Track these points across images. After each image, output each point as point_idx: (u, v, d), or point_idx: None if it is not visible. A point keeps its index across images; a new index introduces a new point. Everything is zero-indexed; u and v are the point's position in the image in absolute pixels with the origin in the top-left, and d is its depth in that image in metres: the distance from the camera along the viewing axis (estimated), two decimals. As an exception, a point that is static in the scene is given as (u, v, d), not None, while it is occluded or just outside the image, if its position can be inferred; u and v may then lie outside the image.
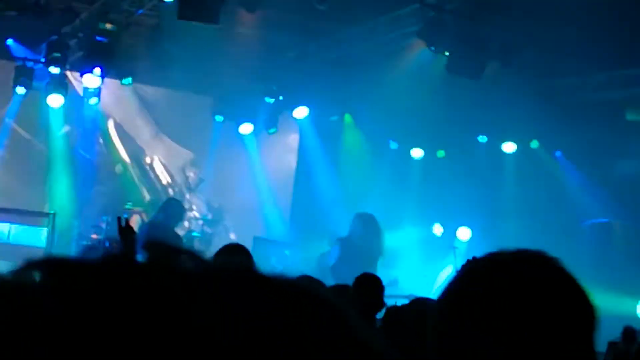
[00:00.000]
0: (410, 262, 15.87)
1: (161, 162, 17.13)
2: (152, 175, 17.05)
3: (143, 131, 17.01)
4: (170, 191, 16.97)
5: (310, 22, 13.36)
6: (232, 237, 16.31)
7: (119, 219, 6.72)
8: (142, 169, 16.94)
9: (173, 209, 12.30)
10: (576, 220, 14.79)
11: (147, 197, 16.74)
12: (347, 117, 16.53)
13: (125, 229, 6.96)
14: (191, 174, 17.25)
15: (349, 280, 11.73)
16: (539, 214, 15.00)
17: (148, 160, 17.02)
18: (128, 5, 12.92)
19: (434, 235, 16.37)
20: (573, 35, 11.71)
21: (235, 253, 6.59)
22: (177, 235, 12.20)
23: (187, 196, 16.90)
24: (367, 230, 12.43)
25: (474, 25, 11.38)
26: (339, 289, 6.11)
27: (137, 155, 16.99)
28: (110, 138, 16.71)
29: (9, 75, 14.93)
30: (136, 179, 16.65)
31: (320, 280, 5.89)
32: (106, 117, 16.66)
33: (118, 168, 16.84)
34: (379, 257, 12.50)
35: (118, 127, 16.79)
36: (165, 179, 17.04)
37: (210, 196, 17.12)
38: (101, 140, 16.66)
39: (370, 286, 6.60)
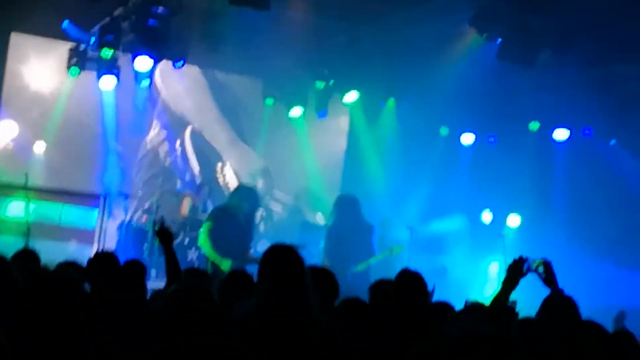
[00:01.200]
0: (458, 249, 15.81)
1: (232, 167, 17.29)
2: (221, 181, 17.18)
3: (220, 136, 17.20)
4: None
5: (362, 6, 13.31)
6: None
7: (154, 222, 6.78)
8: (212, 174, 17.10)
9: (245, 194, 12.06)
10: (629, 211, 14.61)
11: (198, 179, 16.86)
12: (397, 103, 16.43)
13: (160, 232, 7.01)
14: (260, 183, 17.36)
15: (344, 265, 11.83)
16: (590, 203, 14.84)
17: (219, 165, 17.19)
18: (181, -12, 12.97)
19: (482, 222, 16.27)
20: (628, 24, 11.55)
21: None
22: (247, 222, 11.90)
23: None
24: (344, 211, 12.35)
25: (527, 13, 11.25)
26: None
27: (209, 159, 17.14)
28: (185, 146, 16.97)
29: (64, 56, 15.12)
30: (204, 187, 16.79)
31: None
32: (185, 123, 16.88)
33: (187, 176, 17.02)
34: (371, 232, 12.41)
35: (194, 135, 17.01)
36: (234, 185, 17.14)
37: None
38: (178, 147, 16.90)
39: (414, 286, 6.46)
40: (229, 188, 16.84)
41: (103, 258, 7.11)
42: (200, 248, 11.77)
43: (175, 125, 16.89)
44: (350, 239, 12.22)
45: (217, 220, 11.41)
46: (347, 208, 12.38)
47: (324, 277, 5.71)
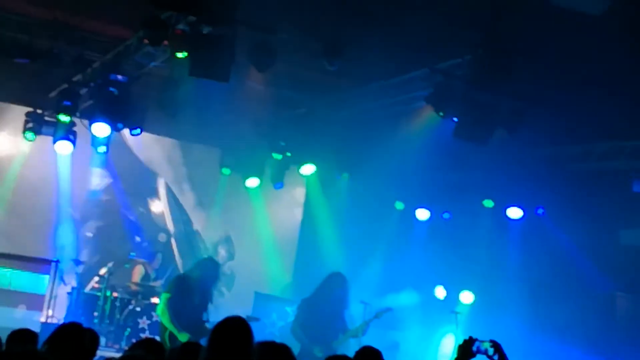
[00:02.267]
0: (411, 325, 15.77)
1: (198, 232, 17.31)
2: (195, 244, 17.14)
3: (188, 196, 17.18)
4: None
5: (320, 80, 13.44)
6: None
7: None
8: (188, 237, 17.03)
9: (209, 268, 11.88)
10: (579, 290, 14.69)
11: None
12: (354, 176, 16.50)
13: None
14: (222, 252, 17.33)
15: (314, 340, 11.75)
16: (544, 281, 14.89)
17: (196, 227, 17.16)
18: (140, 58, 12.99)
19: (436, 297, 16.26)
20: (581, 104, 11.75)
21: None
22: (205, 293, 11.72)
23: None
24: (336, 288, 12.32)
25: (482, 92, 11.40)
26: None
27: (182, 219, 17.10)
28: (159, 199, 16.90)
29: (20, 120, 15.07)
30: (175, 251, 16.69)
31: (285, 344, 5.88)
32: (156, 175, 16.84)
33: (162, 236, 16.94)
34: (345, 311, 12.38)
35: (168, 189, 16.98)
36: (206, 251, 17.08)
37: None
38: (149, 201, 16.83)
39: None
40: (201, 252, 16.84)
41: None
42: (158, 317, 11.68)
43: (141, 175, 16.82)
44: (325, 312, 12.16)
45: (176, 291, 11.32)
46: (329, 284, 12.34)
47: (281, 354, 5.69)
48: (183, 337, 10.93)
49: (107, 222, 16.62)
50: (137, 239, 16.78)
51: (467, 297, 15.95)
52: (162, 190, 17.04)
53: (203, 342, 9.39)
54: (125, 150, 16.37)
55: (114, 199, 16.64)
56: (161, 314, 11.28)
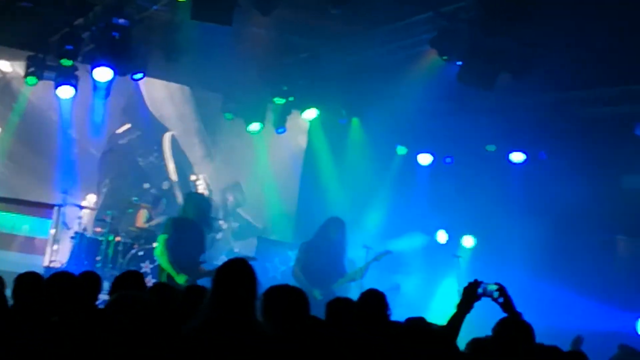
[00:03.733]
0: (413, 269, 15.87)
1: (206, 181, 17.32)
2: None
3: (196, 149, 17.25)
4: None
5: (324, 25, 13.36)
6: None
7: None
8: (186, 186, 17.12)
9: (197, 202, 11.89)
10: (580, 234, 14.75)
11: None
12: (356, 121, 16.48)
13: None
14: (230, 198, 17.41)
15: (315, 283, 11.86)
16: (544, 225, 14.95)
17: (193, 177, 17.23)
18: (142, 1, 12.90)
19: (437, 242, 16.35)
20: (584, 49, 11.71)
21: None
22: (200, 231, 11.69)
23: (221, 220, 17.02)
24: (334, 232, 12.40)
25: (487, 36, 11.32)
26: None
27: (184, 171, 17.20)
28: (163, 150, 17.00)
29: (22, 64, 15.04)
30: (179, 198, 16.74)
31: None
32: (165, 128, 16.95)
33: (165, 184, 17.02)
34: (343, 255, 12.46)
35: (174, 141, 17.06)
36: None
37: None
38: (157, 151, 16.91)
39: (374, 301, 6.65)
40: None
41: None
42: (157, 259, 11.71)
43: (153, 128, 16.95)
44: (326, 255, 12.24)
45: (173, 231, 11.28)
46: (335, 230, 12.40)
47: (294, 295, 5.75)
48: (180, 279, 10.88)
49: (121, 166, 16.72)
50: (146, 185, 16.87)
51: (468, 241, 16.03)
52: (167, 143, 17.14)
53: (199, 283, 9.68)
54: (141, 103, 16.49)
55: (129, 144, 16.77)
56: (159, 255, 11.25)
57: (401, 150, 16.84)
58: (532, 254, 14.76)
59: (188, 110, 17.25)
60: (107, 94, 14.97)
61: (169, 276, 11.10)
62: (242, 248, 16.67)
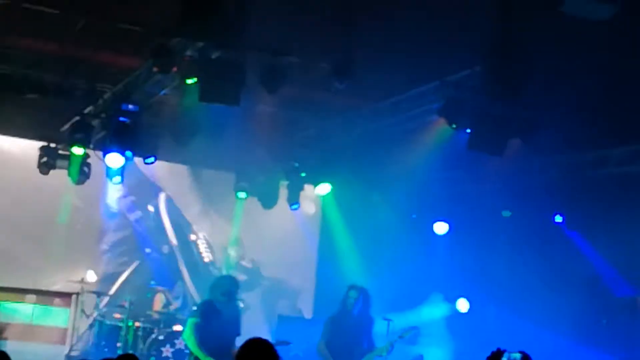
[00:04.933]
0: (435, 339, 15.70)
1: (205, 239, 17.28)
2: (195, 253, 17.17)
3: (192, 206, 17.22)
4: (212, 270, 17.07)
5: (330, 100, 13.44)
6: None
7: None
8: (187, 247, 17.08)
9: (226, 285, 11.93)
10: (604, 295, 14.59)
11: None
12: (370, 193, 16.46)
13: None
14: (232, 252, 17.37)
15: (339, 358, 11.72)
16: (564, 290, 14.81)
17: (193, 237, 17.19)
18: (150, 86, 13.01)
19: (458, 310, 16.18)
20: (592, 110, 11.71)
21: None
22: (234, 314, 11.89)
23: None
24: (350, 300, 12.28)
25: (493, 103, 11.35)
26: None
27: (182, 230, 17.15)
28: (159, 213, 16.96)
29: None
30: (180, 260, 16.70)
31: None
32: (158, 189, 16.93)
33: (165, 248, 16.99)
34: (370, 327, 12.29)
35: (169, 200, 17.04)
36: (207, 257, 17.13)
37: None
38: (151, 210, 16.85)
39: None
40: (202, 259, 16.88)
41: None
42: (185, 343, 11.75)
43: (147, 189, 16.87)
44: (352, 328, 12.11)
45: (203, 316, 11.40)
46: (349, 300, 12.29)
47: None
48: None
49: (120, 220, 16.67)
50: (147, 250, 16.83)
51: (464, 305, 15.84)
52: (162, 205, 17.07)
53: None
54: (133, 167, 16.44)
55: (125, 212, 16.72)
56: (187, 339, 11.38)
57: (415, 219, 16.73)
58: (555, 316, 14.59)
59: (179, 168, 17.13)
60: (122, 179, 15.04)
61: (197, 359, 11.20)
62: (252, 298, 16.63)
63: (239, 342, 11.33)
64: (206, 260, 17.24)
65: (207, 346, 11.18)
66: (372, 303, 12.31)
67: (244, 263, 17.56)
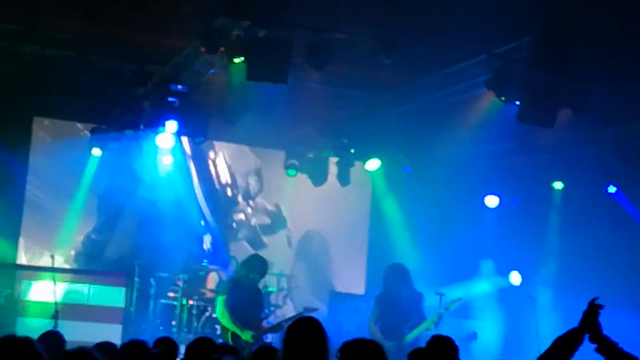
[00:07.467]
0: (487, 313, 15.65)
1: (226, 160, 17.22)
2: (213, 171, 17.11)
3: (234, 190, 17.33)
4: (228, 191, 17.10)
5: (377, 76, 13.42)
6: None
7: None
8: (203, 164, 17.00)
9: (255, 264, 12.37)
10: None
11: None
12: (420, 168, 16.42)
13: None
14: (252, 182, 17.39)
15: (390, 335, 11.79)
16: (619, 262, 14.64)
17: (212, 155, 17.08)
18: (198, 66, 13.07)
19: (511, 283, 16.07)
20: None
21: None
22: (258, 291, 12.51)
23: (241, 202, 17.06)
24: (397, 280, 12.33)
25: (542, 74, 11.25)
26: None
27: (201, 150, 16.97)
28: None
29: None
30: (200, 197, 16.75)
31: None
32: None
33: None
34: (420, 302, 12.39)
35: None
36: (225, 177, 17.14)
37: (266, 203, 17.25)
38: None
39: (444, 349, 6.56)
40: (219, 177, 16.88)
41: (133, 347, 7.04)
42: (218, 319, 12.21)
43: None
44: (400, 305, 12.18)
45: (231, 292, 11.91)
46: (396, 277, 12.39)
47: (371, 348, 5.65)
48: (246, 335, 11.60)
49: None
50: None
51: (515, 278, 15.74)
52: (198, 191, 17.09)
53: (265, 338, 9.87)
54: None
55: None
56: (221, 316, 11.87)
57: (468, 193, 16.63)
58: (608, 292, 14.41)
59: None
60: (173, 159, 15.20)
61: (234, 335, 11.64)
62: (272, 242, 16.86)
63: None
64: (223, 181, 17.19)
65: (241, 320, 11.73)
66: (409, 278, 12.39)
67: (264, 202, 17.41)
